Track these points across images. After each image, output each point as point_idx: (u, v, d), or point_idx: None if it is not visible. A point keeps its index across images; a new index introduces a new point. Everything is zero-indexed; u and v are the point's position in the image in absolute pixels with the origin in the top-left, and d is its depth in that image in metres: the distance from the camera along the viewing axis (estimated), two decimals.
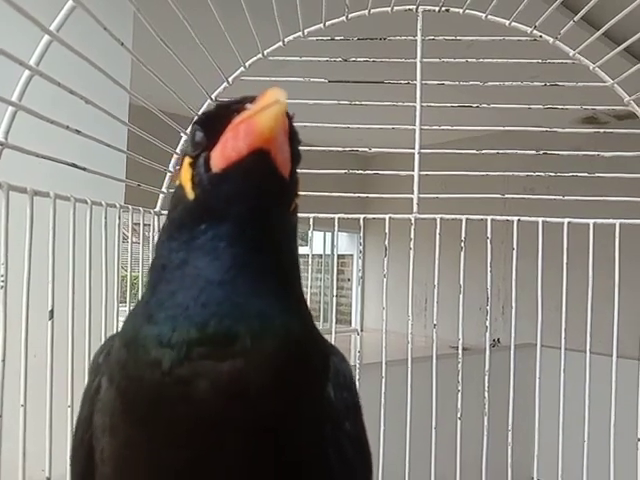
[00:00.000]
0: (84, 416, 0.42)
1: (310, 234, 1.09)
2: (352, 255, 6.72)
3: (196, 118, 0.40)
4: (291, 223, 0.42)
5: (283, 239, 0.40)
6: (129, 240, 0.88)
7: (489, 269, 1.08)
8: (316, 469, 0.38)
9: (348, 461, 0.40)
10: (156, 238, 0.45)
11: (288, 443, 0.36)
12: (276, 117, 0.34)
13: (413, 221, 1.09)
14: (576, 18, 0.97)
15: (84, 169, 0.72)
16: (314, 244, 5.90)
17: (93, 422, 0.41)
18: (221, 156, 0.36)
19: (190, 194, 0.38)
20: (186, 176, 0.39)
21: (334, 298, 1.29)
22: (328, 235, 5.80)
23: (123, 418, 0.37)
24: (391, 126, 1.12)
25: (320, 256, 6.79)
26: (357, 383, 1.09)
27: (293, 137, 0.38)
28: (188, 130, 0.42)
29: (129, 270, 0.96)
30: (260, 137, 0.34)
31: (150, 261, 0.42)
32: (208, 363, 0.33)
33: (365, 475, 0.44)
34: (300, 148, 0.40)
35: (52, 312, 0.66)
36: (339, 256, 6.79)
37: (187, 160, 0.40)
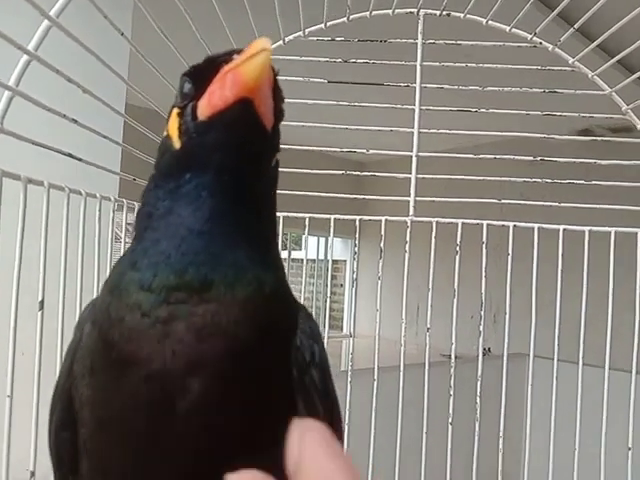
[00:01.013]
0: (66, 367, 0.43)
1: (305, 237, 1.08)
2: (345, 261, 6.72)
3: (185, 70, 0.41)
4: (271, 176, 0.43)
5: (263, 191, 0.41)
6: (122, 234, 0.87)
7: (484, 274, 1.07)
8: (283, 413, 0.38)
9: (315, 408, 0.41)
10: (136, 211, 0.44)
11: (256, 383, 0.37)
12: (262, 67, 0.35)
13: (409, 224, 1.09)
14: (576, 25, 0.97)
15: (80, 159, 0.71)
16: (308, 249, 5.88)
17: (73, 371, 0.41)
18: (208, 104, 0.37)
19: (177, 143, 0.39)
20: (173, 125, 0.40)
21: (327, 303, 1.29)
22: (322, 240, 5.80)
23: (104, 357, 0.38)
24: (390, 128, 1.11)
25: (313, 261, 6.79)
26: (349, 386, 1.09)
27: (277, 93, 0.39)
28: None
29: None
30: (245, 87, 0.35)
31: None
32: (185, 307, 0.36)
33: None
34: (283, 106, 0.41)
35: (42, 303, 0.65)
36: (333, 261, 6.79)
37: (175, 111, 0.41)
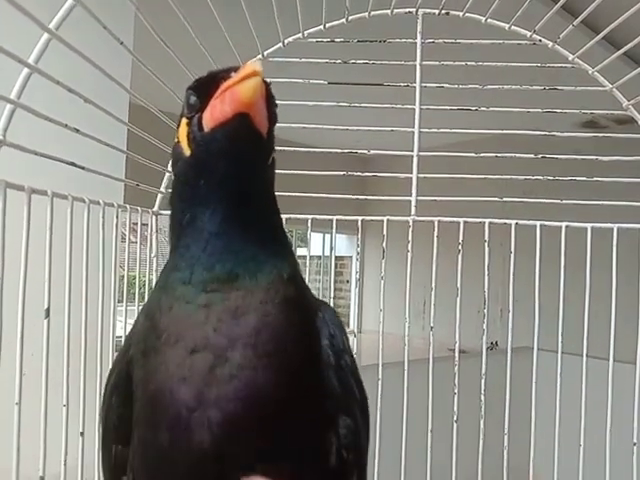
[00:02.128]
0: (123, 351, 0.50)
1: (309, 236, 1.09)
2: (351, 257, 6.72)
3: (190, 84, 0.47)
4: (270, 174, 0.49)
5: (264, 188, 0.48)
6: (127, 239, 0.88)
7: (486, 272, 1.08)
8: (316, 386, 0.46)
9: (351, 389, 0.48)
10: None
11: (286, 354, 0.43)
12: (254, 88, 0.40)
13: (411, 223, 1.09)
14: (575, 22, 0.97)
15: (83, 168, 0.71)
16: (312, 246, 5.89)
17: (129, 354, 0.48)
18: (210, 118, 0.43)
19: (187, 150, 0.46)
20: (183, 133, 0.47)
21: (332, 300, 1.29)
22: (327, 237, 5.80)
23: (156, 341, 0.44)
24: (390, 128, 1.12)
25: (319, 257, 6.79)
26: None
27: (270, 101, 0.45)
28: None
29: (126, 270, 0.96)
30: (242, 103, 0.41)
31: (169, 213, 0.50)
32: (219, 294, 0.43)
33: (363, 405, 0.51)
34: (276, 110, 0.47)
35: (48, 311, 0.66)
36: (338, 258, 6.79)
37: (184, 121, 0.47)
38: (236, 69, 0.43)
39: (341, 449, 0.46)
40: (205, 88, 0.45)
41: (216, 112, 0.43)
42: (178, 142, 0.48)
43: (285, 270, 0.45)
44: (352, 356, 0.50)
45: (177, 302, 0.44)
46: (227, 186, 0.45)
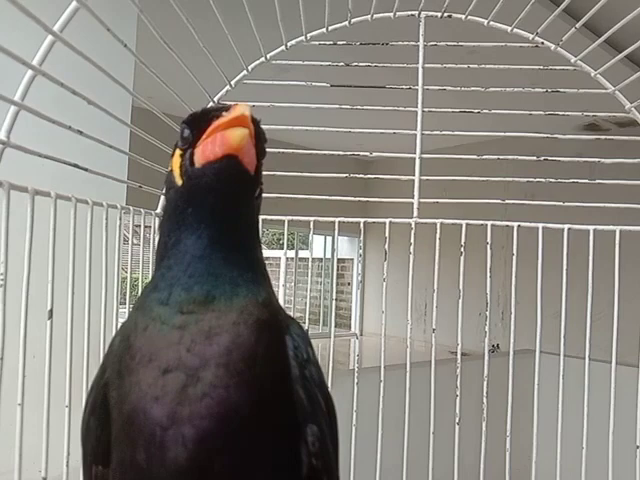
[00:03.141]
0: (100, 371, 0.51)
1: (311, 237, 1.09)
2: (352, 259, 6.72)
3: (185, 118, 0.50)
4: (255, 206, 0.52)
5: (248, 219, 0.51)
6: (129, 241, 0.88)
7: (489, 274, 1.08)
8: (285, 400, 0.47)
9: (316, 397, 0.49)
10: (157, 240, 0.54)
11: (257, 369, 0.45)
12: (243, 136, 0.44)
13: (413, 225, 1.09)
14: (578, 25, 0.97)
15: (86, 170, 0.72)
16: (314, 248, 5.90)
17: (106, 374, 0.49)
18: (202, 155, 0.46)
19: (179, 180, 0.49)
20: (176, 164, 0.49)
21: (333, 302, 1.30)
22: (329, 239, 5.80)
23: (130, 361, 0.46)
24: (392, 131, 1.12)
25: (320, 260, 6.79)
26: (355, 387, 1.09)
27: (259, 137, 0.48)
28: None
29: (129, 271, 0.96)
30: (231, 147, 0.44)
31: (156, 240, 0.53)
32: (194, 316, 0.45)
33: (329, 413, 0.52)
34: (266, 146, 0.50)
35: (51, 312, 0.66)
36: (340, 260, 6.79)
37: (178, 151, 0.50)
38: (227, 109, 0.46)
39: (311, 457, 0.48)
40: (198, 123, 0.48)
41: (207, 151, 0.46)
42: (171, 170, 0.50)
43: (260, 295, 0.48)
44: (317, 366, 0.52)
45: (152, 322, 0.45)
46: (214, 216, 0.47)
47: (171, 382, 0.43)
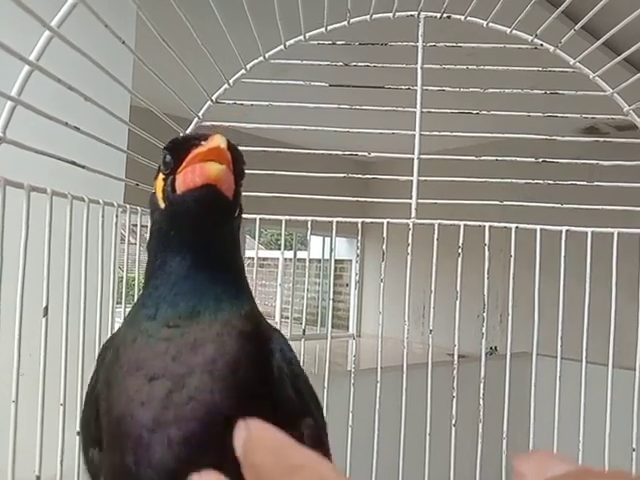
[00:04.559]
0: (91, 384, 0.54)
1: (308, 238, 1.09)
2: (350, 260, 6.72)
3: (166, 144, 0.53)
4: (235, 225, 0.54)
5: (228, 238, 0.53)
6: (126, 240, 0.88)
7: (486, 276, 1.07)
8: (269, 400, 0.49)
9: (301, 391, 0.52)
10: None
11: (240, 377, 0.47)
12: (219, 169, 0.47)
13: (411, 226, 1.09)
14: (577, 27, 0.97)
15: (83, 167, 0.71)
16: (313, 249, 5.90)
17: (97, 386, 0.52)
18: (182, 182, 0.49)
19: (162, 203, 0.52)
20: (159, 187, 0.52)
21: (331, 302, 1.30)
22: (327, 240, 5.80)
23: (118, 372, 0.48)
24: (391, 131, 1.12)
25: (318, 261, 6.79)
26: (352, 388, 1.09)
27: (237, 161, 0.50)
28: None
29: (125, 270, 0.95)
30: (209, 178, 0.47)
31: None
32: (180, 329, 0.47)
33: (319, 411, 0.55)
34: (244, 168, 0.53)
35: (46, 309, 0.66)
36: (338, 261, 6.79)
37: (161, 176, 0.53)
38: (206, 137, 0.48)
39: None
40: (178, 150, 0.50)
41: (187, 179, 0.48)
42: (155, 193, 0.53)
43: (243, 309, 0.50)
44: (301, 369, 0.54)
45: (140, 335, 0.48)
46: (195, 238, 0.51)
47: (157, 388, 0.45)
